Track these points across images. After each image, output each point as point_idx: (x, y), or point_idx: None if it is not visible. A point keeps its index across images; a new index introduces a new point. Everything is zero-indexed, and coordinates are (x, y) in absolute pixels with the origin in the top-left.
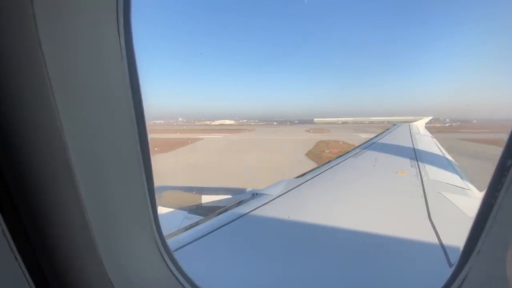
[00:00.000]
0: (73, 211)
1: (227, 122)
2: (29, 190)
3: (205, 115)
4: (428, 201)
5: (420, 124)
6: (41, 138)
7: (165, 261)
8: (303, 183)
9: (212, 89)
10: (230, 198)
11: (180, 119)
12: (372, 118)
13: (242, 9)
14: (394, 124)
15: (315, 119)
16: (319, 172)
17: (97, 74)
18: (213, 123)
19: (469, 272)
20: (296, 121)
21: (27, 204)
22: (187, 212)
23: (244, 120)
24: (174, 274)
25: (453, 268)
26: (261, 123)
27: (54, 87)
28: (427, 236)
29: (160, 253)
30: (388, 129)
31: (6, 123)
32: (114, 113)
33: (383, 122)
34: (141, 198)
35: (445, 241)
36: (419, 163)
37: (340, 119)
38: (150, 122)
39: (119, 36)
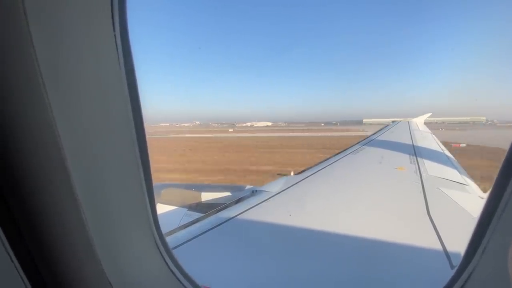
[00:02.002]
0: (70, 211)
1: (268, 123)
2: (24, 189)
3: (223, 117)
4: (427, 197)
5: (419, 121)
6: (36, 137)
7: (164, 259)
8: (302, 180)
9: (220, 92)
10: (230, 195)
11: (198, 122)
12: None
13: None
14: (394, 121)
15: (364, 120)
16: (319, 169)
17: (92, 72)
18: (256, 124)
19: (473, 272)
20: (338, 123)
21: (23, 204)
22: (187, 209)
23: (270, 123)
24: (173, 273)
25: (456, 267)
26: (309, 124)
27: (47, 85)
28: (426, 233)
29: (160, 251)
30: (387, 125)
31: None
32: (111, 111)
33: (443, 122)
34: (140, 196)
35: (445, 239)
36: (418, 159)
37: (391, 119)
38: (175, 124)
39: (114, 32)
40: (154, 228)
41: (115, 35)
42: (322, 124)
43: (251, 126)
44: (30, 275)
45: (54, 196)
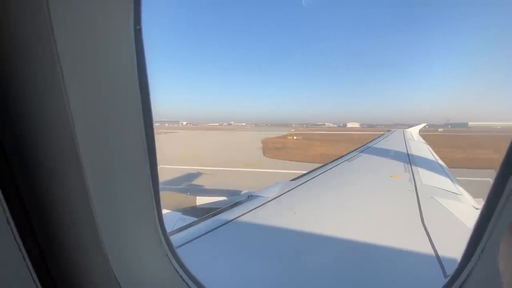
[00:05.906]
0: (81, 207)
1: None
2: (37, 185)
3: (272, 119)
4: (421, 206)
5: (414, 131)
6: (51, 133)
7: (169, 259)
8: (298, 186)
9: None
10: (225, 200)
11: (244, 124)
12: None
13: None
14: (389, 130)
15: (469, 123)
16: (314, 175)
17: (108, 70)
18: (349, 125)
19: (467, 278)
20: (449, 125)
21: (36, 200)
22: (181, 213)
23: (358, 124)
24: (177, 271)
25: (450, 274)
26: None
27: (66, 81)
28: (420, 241)
29: (164, 250)
30: (383, 134)
31: (16, 117)
32: (122, 110)
33: None
34: (147, 195)
35: (437, 246)
36: (413, 168)
37: (498, 123)
38: (232, 123)
39: (129, 31)
40: (159, 226)
41: (129, 32)
42: (427, 126)
43: (345, 126)
44: (40, 272)
45: (66, 192)
